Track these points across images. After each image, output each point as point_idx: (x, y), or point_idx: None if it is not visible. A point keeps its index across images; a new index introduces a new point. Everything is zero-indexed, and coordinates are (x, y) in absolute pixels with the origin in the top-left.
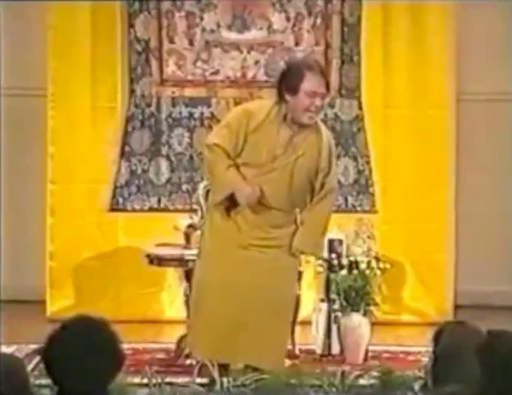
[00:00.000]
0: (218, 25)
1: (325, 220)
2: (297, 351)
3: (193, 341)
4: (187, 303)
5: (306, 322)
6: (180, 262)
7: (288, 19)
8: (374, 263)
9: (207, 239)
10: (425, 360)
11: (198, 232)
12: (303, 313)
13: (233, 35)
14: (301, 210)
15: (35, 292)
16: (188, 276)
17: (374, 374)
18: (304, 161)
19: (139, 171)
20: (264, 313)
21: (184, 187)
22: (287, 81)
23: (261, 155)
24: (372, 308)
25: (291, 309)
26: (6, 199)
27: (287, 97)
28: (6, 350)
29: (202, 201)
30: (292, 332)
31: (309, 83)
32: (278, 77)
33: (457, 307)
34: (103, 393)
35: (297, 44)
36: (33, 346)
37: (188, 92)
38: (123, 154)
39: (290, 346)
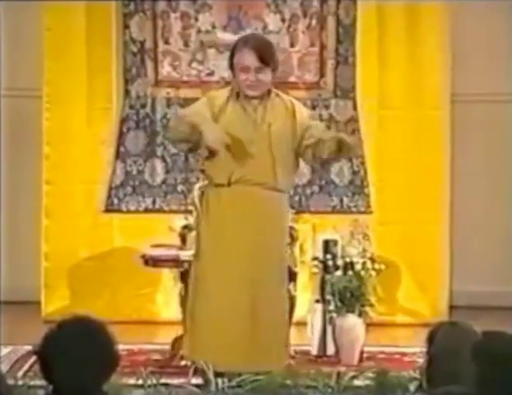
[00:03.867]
0: (213, 26)
1: None
2: (292, 352)
3: (194, 347)
4: (182, 304)
5: (301, 323)
6: (175, 262)
7: (283, 20)
8: (369, 264)
9: (202, 240)
10: (421, 360)
11: (194, 233)
12: (298, 314)
13: (228, 36)
14: (289, 189)
15: (30, 293)
16: (184, 276)
17: (370, 374)
18: (279, 129)
19: (134, 172)
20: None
21: (179, 188)
22: (229, 60)
23: (235, 133)
24: (367, 308)
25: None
26: (1, 200)
27: (232, 74)
28: (2, 351)
29: (197, 202)
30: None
31: (238, 59)
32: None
33: (452, 307)
34: (97, 393)
35: (292, 44)
36: (28, 347)
37: (184, 93)
38: (118, 155)
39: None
